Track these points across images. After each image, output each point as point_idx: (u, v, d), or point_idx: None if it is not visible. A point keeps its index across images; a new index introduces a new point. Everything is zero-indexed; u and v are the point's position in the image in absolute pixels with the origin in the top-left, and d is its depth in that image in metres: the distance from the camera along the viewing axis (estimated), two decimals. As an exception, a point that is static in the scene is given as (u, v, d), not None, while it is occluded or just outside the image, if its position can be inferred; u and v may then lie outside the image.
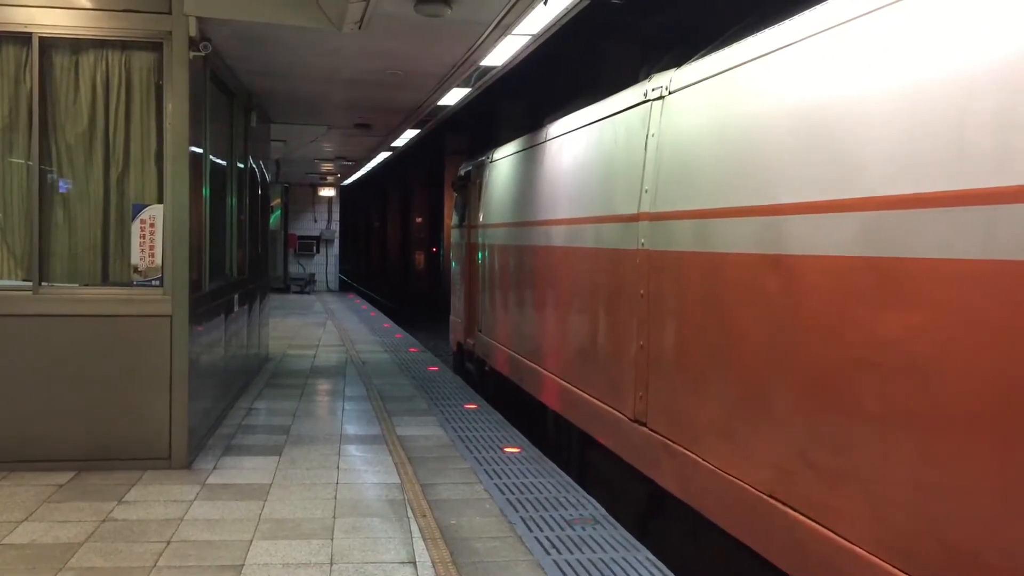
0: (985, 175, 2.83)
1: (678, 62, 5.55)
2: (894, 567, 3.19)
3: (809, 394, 3.78)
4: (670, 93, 5.40)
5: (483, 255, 10.89)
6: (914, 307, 3.14)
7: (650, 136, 5.58)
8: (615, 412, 5.98)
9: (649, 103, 5.68)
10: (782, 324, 3.99)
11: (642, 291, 5.53)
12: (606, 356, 6.25)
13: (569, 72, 15.57)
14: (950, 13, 3.11)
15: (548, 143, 8.17)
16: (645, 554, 4.73)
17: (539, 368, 8.06)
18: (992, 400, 2.82)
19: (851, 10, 3.66)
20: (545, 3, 5.64)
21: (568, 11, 6.07)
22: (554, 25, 6.48)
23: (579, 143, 7.23)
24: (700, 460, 4.72)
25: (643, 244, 5.54)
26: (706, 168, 4.83)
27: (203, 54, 6.37)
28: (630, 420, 5.70)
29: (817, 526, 3.66)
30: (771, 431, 4.05)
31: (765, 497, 4.06)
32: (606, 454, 6.27)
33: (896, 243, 3.22)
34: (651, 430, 5.38)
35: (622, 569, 4.50)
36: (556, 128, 7.99)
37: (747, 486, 4.22)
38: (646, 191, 5.54)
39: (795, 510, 3.82)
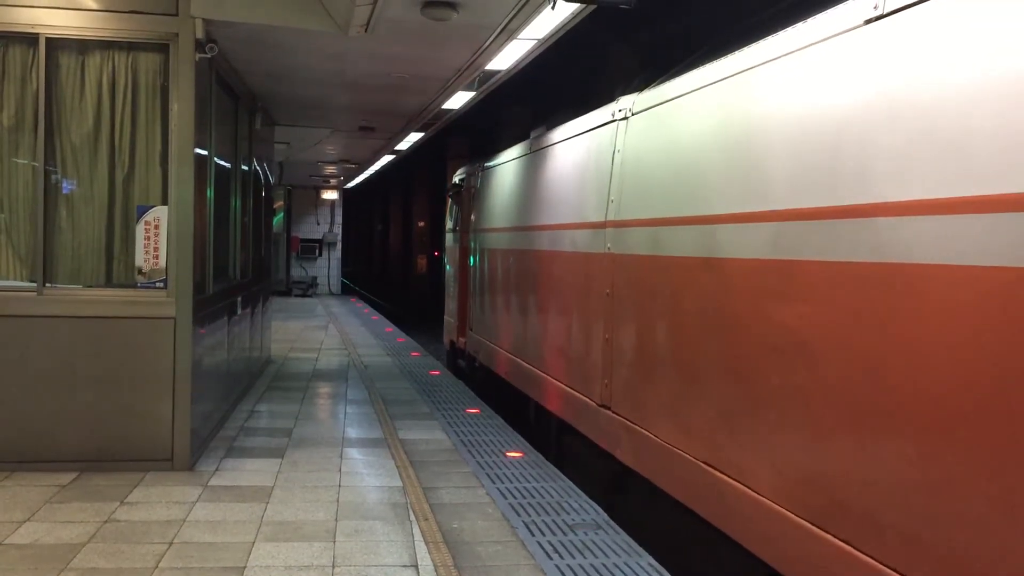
0: (852, 194, 3.53)
1: (644, 85, 6.17)
2: (790, 512, 3.87)
3: (731, 374, 4.51)
4: (632, 115, 6.12)
5: (474, 259, 11.45)
6: (804, 300, 3.87)
7: (616, 152, 6.31)
8: (585, 398, 6.70)
9: (616, 123, 6.42)
10: (711, 316, 4.72)
11: (607, 291, 6.25)
12: (578, 349, 6.96)
13: (573, 79, 15.56)
14: (826, 65, 3.85)
15: (532, 155, 8.79)
16: (647, 559, 4.72)
17: (522, 362, 8.66)
18: (862, 375, 3.45)
19: (755, 59, 4.48)
20: (553, 7, 5.63)
21: (575, 15, 6.07)
22: (560, 30, 6.48)
23: (559, 156, 7.87)
24: (652, 436, 5.43)
25: (609, 248, 6.27)
26: (658, 182, 5.58)
27: (209, 56, 6.39)
28: (597, 405, 6.39)
29: (735, 483, 4.37)
30: (704, 407, 4.80)
31: (701, 464, 4.75)
32: (581, 437, 6.82)
33: (793, 248, 3.95)
34: (614, 413, 6.08)
35: (623, 574, 4.50)
36: (540, 141, 8.59)
37: (687, 456, 4.92)
38: (612, 201, 6.27)
39: (721, 472, 4.53)
